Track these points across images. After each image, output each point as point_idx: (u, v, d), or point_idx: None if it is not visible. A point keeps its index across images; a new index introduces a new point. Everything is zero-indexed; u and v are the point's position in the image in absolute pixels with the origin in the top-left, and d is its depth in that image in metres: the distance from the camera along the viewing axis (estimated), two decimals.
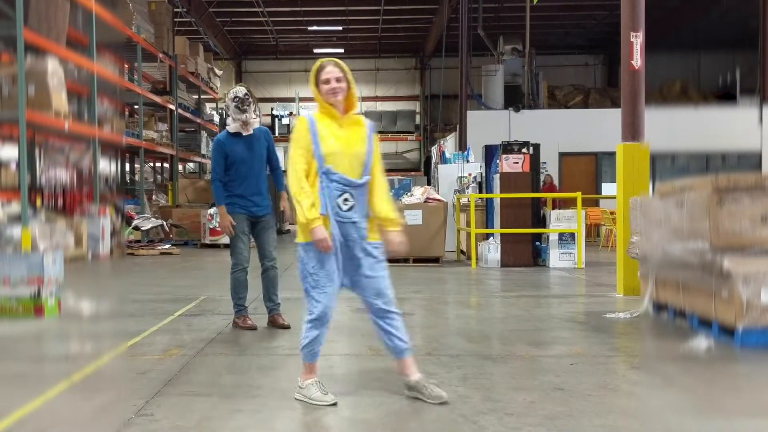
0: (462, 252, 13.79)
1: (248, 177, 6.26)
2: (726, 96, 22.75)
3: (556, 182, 19.57)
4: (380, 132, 34.64)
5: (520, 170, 12.05)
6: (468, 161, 15.70)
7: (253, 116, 6.32)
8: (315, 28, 29.40)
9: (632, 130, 8.37)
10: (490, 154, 13.44)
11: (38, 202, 13.59)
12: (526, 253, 12.09)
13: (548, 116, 21.17)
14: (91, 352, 5.79)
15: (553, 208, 12.96)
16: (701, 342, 5.44)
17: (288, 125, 32.43)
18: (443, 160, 17.35)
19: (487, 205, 13.28)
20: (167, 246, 15.94)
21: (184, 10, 23.91)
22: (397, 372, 4.18)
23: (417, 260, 12.47)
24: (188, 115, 22.44)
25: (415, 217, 12.39)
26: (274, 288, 6.46)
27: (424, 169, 30.34)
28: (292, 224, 21.39)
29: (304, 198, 3.98)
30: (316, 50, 32.44)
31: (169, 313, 7.23)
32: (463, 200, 13.70)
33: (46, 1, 12.81)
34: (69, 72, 14.16)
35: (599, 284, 9.62)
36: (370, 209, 4.13)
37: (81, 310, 7.55)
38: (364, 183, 4.08)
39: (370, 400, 4.14)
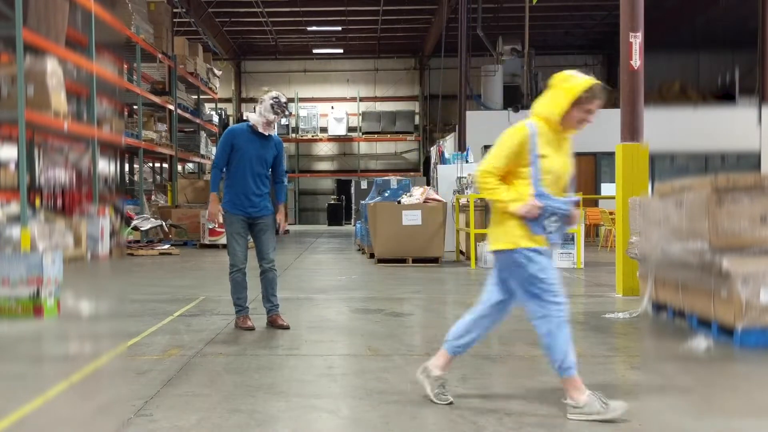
0: (461, 252, 13.80)
1: (248, 175, 6.25)
2: (725, 96, 22.76)
3: None
4: (379, 132, 34.74)
5: None
6: (467, 161, 15.70)
7: (275, 124, 6.39)
8: (314, 28, 29.41)
9: (631, 131, 8.37)
10: None
11: (37, 202, 13.57)
12: None
13: None
14: (90, 352, 5.78)
15: None
16: (700, 342, 5.44)
17: (287, 125, 32.44)
18: (442, 160, 17.35)
19: (487, 206, 13.27)
20: (166, 246, 15.93)
21: (184, 10, 23.91)
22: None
23: (416, 260, 12.48)
24: (187, 115, 22.43)
25: (414, 218, 12.40)
26: (272, 289, 6.46)
27: (424, 170, 30.35)
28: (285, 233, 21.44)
29: (501, 191, 3.84)
30: (315, 50, 32.45)
31: (168, 313, 7.23)
32: (463, 201, 13.70)
33: (45, 2, 12.80)
34: (68, 72, 14.15)
35: (598, 284, 9.62)
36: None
37: (80, 310, 7.55)
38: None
39: (370, 400, 4.14)
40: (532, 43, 22.09)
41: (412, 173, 30.40)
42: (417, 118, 32.97)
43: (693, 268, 5.94)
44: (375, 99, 33.39)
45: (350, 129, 33.06)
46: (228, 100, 33.18)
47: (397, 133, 32.41)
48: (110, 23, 15.72)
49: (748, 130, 20.09)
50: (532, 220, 3.83)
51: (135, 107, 18.97)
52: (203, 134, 24.97)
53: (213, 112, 28.01)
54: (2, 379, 4.78)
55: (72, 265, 12.01)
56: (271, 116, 6.26)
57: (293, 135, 32.76)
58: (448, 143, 22.55)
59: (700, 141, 20.02)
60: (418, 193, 13.07)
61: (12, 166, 13.75)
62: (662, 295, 6.73)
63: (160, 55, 19.67)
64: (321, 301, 8.18)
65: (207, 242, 16.86)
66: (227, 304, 7.82)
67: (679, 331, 6.08)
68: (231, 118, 32.95)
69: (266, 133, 6.32)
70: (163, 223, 17.51)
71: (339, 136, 32.76)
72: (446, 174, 15.82)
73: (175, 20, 22.96)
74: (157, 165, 26.38)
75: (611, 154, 9.06)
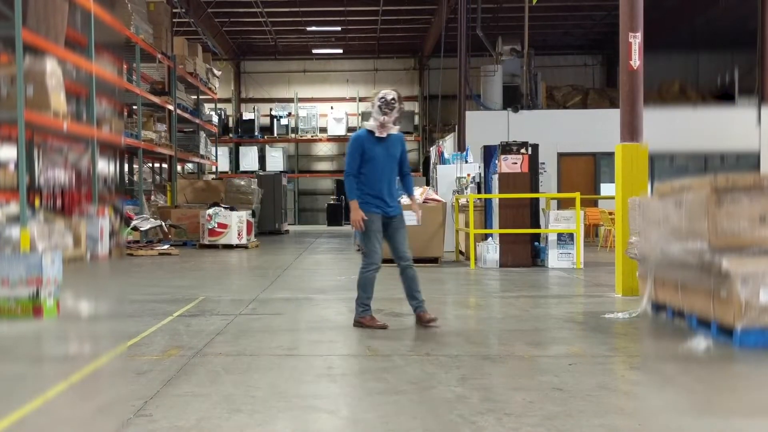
0: (461, 252, 13.79)
1: (382, 178, 6.37)
2: (724, 96, 22.75)
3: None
4: None
5: (519, 171, 12.05)
6: (467, 161, 15.69)
7: (392, 122, 6.41)
8: (314, 28, 29.40)
9: (631, 131, 8.37)
10: (489, 154, 13.44)
11: (37, 202, 13.56)
12: (525, 253, 12.10)
13: (547, 116, 21.16)
14: (89, 352, 5.79)
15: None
16: (700, 342, 5.44)
17: (287, 126, 32.43)
18: (442, 160, 17.34)
19: (486, 206, 13.28)
20: (166, 246, 15.93)
21: (183, 10, 23.90)
22: None
23: (415, 260, 12.33)
24: (187, 115, 22.43)
25: (413, 218, 12.36)
26: (415, 286, 6.51)
27: (423, 170, 30.33)
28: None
29: None
30: (314, 51, 32.45)
31: (168, 313, 7.23)
32: (462, 201, 13.70)
33: (45, 2, 12.80)
34: (67, 72, 14.14)
35: (598, 284, 9.62)
36: None
37: (80, 310, 7.55)
38: None
39: (369, 400, 4.14)
40: (532, 44, 22.08)
41: (411, 173, 30.38)
42: (416, 118, 32.97)
43: (692, 268, 5.94)
44: None
45: (350, 129, 33.01)
46: (227, 101, 33.18)
47: None
48: (110, 23, 15.71)
49: (748, 130, 20.10)
50: None
51: (134, 107, 18.96)
52: (203, 134, 24.97)
53: (212, 113, 28.00)
54: (2, 380, 4.78)
55: (71, 266, 12.00)
56: (381, 117, 6.34)
57: (292, 135, 32.75)
58: (448, 143, 22.54)
59: (700, 141, 20.00)
60: (417, 193, 13.06)
61: (11, 167, 13.75)
62: (662, 295, 6.74)
63: (159, 56, 19.67)
64: (320, 301, 8.18)
65: (206, 242, 16.86)
66: (227, 304, 7.84)
67: (678, 331, 6.08)
68: (230, 118, 32.95)
69: (384, 135, 6.38)
70: (163, 224, 17.51)
71: (338, 136, 32.74)
72: (446, 174, 15.82)
73: (174, 20, 22.95)
74: (157, 165, 26.38)
75: (611, 154, 9.06)
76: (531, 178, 12.13)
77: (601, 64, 31.71)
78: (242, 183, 22.60)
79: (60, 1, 13.39)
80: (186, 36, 24.19)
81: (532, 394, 4.19)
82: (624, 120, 8.42)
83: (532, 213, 12.18)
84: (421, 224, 12.52)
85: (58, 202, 14.51)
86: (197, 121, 23.99)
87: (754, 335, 5.37)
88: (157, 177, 25.99)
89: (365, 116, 32.64)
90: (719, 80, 24.01)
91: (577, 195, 12.29)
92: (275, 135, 32.32)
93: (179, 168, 25.21)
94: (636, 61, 8.29)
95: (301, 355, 5.36)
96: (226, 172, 30.48)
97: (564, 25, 28.52)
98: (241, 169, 31.22)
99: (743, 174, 5.82)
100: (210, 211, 17.01)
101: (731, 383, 4.60)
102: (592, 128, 19.83)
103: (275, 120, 32.20)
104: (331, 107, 32.92)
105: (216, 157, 27.91)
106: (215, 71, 26.53)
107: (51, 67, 12.44)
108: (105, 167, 18.54)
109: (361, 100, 33.18)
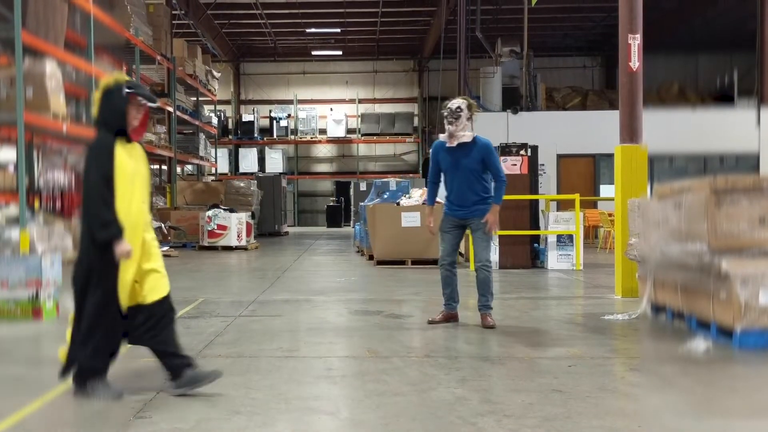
0: (460, 254, 13.77)
1: (453, 186, 6.60)
2: (724, 97, 22.76)
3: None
4: (378, 134, 34.73)
5: (519, 172, 12.06)
6: None
7: (463, 130, 6.44)
8: (313, 30, 29.39)
9: (630, 132, 8.38)
10: None
11: (36, 204, 13.56)
12: (525, 254, 12.09)
13: (546, 118, 21.16)
14: None
15: None
16: (699, 343, 5.44)
17: (286, 127, 32.43)
18: None
19: None
20: (165, 248, 15.91)
21: (183, 12, 23.90)
22: None
23: (415, 262, 12.48)
24: (186, 117, 22.42)
25: (413, 219, 12.40)
26: (482, 288, 6.60)
27: (423, 171, 30.34)
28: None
29: None
30: (314, 52, 32.45)
31: None
32: None
33: (45, 3, 12.80)
34: (67, 74, 14.14)
35: (597, 286, 9.62)
36: None
37: None
38: None
39: (369, 401, 4.14)
40: (531, 45, 22.09)
41: (411, 175, 30.35)
42: (416, 120, 32.96)
43: (692, 269, 5.94)
44: (374, 101, 33.36)
45: (349, 131, 33.04)
46: (227, 102, 33.16)
47: (396, 134, 32.37)
48: (109, 25, 15.72)
49: (747, 131, 20.10)
50: None
51: None
52: (202, 136, 24.97)
53: (212, 114, 28.00)
54: (1, 382, 4.78)
55: (71, 267, 11.98)
56: (448, 127, 6.47)
57: (292, 137, 32.75)
58: None
59: (699, 142, 20.00)
60: (417, 195, 13.08)
61: (11, 168, 13.74)
62: (661, 297, 6.74)
63: (159, 57, 19.67)
64: (320, 302, 8.17)
65: (206, 244, 16.85)
66: (226, 306, 7.84)
67: (678, 333, 6.08)
68: (230, 120, 32.95)
69: (454, 144, 6.47)
70: (162, 225, 17.49)
71: (338, 137, 32.73)
72: None
73: (174, 22, 22.95)
74: (156, 167, 26.36)
75: (610, 156, 9.06)
76: (530, 179, 12.13)
77: (600, 66, 31.71)
78: (242, 185, 22.60)
79: (60, 2, 13.40)
80: (185, 38, 24.19)
81: (531, 395, 4.19)
82: (623, 121, 8.43)
83: (531, 214, 12.18)
84: (421, 226, 12.61)
85: (58, 204, 14.51)
86: (197, 122, 23.99)
87: (753, 336, 5.38)
88: (157, 178, 25.98)
89: (364, 118, 32.70)
90: (718, 82, 24.02)
91: (576, 196, 12.29)
92: (275, 137, 32.31)
93: (179, 170, 25.19)
94: (635, 62, 8.30)
95: (301, 357, 5.36)
96: (226, 174, 30.48)
97: (563, 26, 28.52)
98: (241, 170, 31.21)
99: (742, 175, 5.83)
100: (209, 212, 17.00)
101: (731, 384, 4.60)
102: (592, 130, 19.83)
103: (275, 122, 32.19)
104: (330, 109, 32.92)
105: (215, 158, 27.91)
106: (215, 73, 26.53)
107: (51, 68, 12.44)
108: None
109: (361, 101, 33.19)
